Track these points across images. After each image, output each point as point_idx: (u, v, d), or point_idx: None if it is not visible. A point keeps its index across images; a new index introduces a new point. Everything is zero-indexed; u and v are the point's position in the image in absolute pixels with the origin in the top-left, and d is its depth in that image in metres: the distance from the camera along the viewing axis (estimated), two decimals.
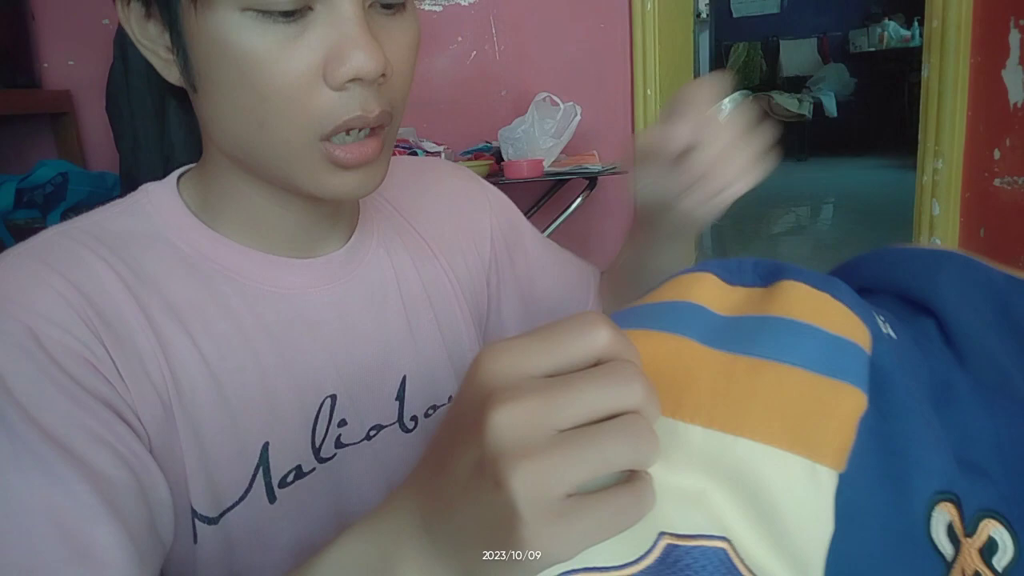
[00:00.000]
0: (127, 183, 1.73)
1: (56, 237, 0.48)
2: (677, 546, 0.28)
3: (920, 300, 0.35)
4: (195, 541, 0.47)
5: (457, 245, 0.65)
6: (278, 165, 0.46)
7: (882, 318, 0.33)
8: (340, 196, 0.48)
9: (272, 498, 0.49)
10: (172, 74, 0.48)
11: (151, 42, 0.47)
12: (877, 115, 7.35)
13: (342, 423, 0.53)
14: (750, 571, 0.28)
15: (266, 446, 0.49)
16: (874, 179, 6.07)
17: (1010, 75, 1.89)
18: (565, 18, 2.71)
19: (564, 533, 0.25)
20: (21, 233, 1.81)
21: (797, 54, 7.60)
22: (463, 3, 2.65)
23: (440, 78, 2.68)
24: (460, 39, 2.68)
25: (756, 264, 0.35)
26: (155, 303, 0.47)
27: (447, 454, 0.29)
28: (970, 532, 0.31)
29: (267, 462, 0.49)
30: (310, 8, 0.42)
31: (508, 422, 0.25)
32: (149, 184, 0.53)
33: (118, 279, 0.46)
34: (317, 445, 0.51)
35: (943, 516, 0.30)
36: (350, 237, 0.57)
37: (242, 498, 0.48)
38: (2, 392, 0.39)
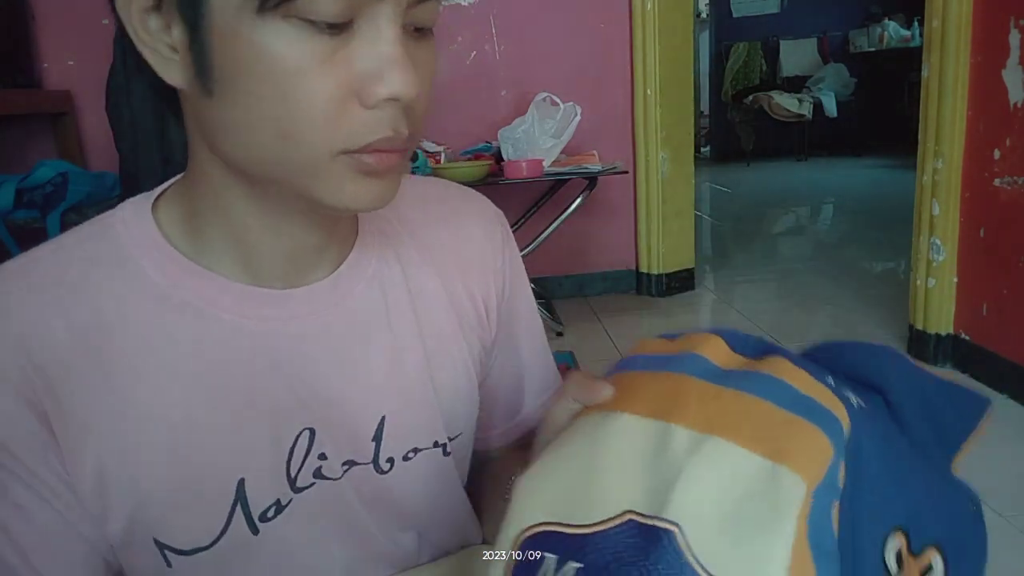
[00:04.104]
0: (127, 183, 1.73)
1: (12, 282, 0.47)
2: (635, 521, 0.35)
3: (873, 383, 0.46)
4: (168, 566, 0.49)
5: (470, 284, 0.62)
6: (296, 175, 0.44)
7: (849, 392, 0.42)
8: (359, 205, 0.46)
9: (255, 530, 0.50)
10: (171, 73, 0.44)
11: (151, 37, 0.44)
12: (877, 115, 7.35)
13: (322, 456, 0.52)
14: (695, 557, 0.33)
15: (242, 482, 0.49)
16: (874, 179, 6.07)
17: (1010, 75, 1.89)
18: (565, 18, 2.71)
19: None
20: (21, 233, 1.83)
21: (797, 54, 7.60)
22: (463, 3, 2.65)
23: (440, 78, 2.68)
24: (460, 39, 2.68)
25: (759, 341, 0.45)
26: (116, 350, 0.46)
27: None
28: (916, 554, 0.41)
29: (244, 496, 0.49)
30: (352, 24, 0.41)
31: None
32: (127, 203, 0.51)
33: (71, 335, 0.46)
34: (293, 476, 0.51)
35: (895, 542, 0.40)
36: (340, 265, 0.54)
37: (220, 535, 0.49)
38: None
